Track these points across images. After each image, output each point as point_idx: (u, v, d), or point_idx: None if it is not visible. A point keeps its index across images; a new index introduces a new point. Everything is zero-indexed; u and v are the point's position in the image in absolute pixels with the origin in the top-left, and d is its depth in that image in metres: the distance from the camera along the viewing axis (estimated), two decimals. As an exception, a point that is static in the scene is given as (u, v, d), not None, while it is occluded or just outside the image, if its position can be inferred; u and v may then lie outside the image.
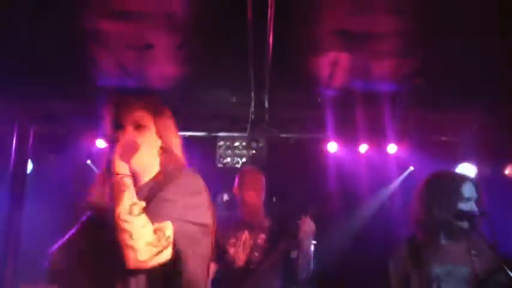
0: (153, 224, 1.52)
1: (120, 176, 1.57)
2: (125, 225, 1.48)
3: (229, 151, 5.94)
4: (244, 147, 5.83)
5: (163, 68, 4.22)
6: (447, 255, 2.19)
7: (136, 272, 1.53)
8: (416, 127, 5.11)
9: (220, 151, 5.92)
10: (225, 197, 4.81)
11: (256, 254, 2.62)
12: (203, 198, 1.69)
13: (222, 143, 5.90)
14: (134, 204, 1.53)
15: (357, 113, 4.85)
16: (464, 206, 2.16)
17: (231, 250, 2.65)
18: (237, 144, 5.92)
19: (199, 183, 1.71)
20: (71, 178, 4.75)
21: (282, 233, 2.49)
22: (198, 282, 1.61)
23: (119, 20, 3.31)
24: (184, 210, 1.59)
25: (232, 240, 2.68)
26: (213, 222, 1.73)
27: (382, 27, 3.27)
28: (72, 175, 4.77)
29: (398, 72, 4.06)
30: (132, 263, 1.49)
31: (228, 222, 2.75)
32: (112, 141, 1.62)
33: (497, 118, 4.73)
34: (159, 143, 1.71)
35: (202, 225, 1.64)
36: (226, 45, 3.65)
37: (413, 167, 5.41)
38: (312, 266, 2.62)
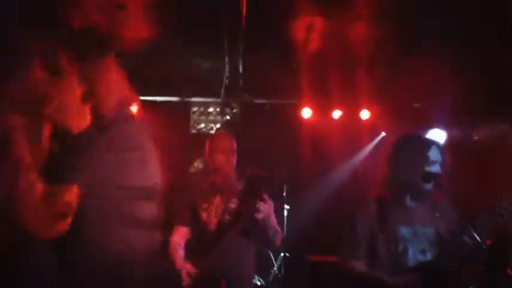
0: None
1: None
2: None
3: (203, 117, 5.91)
4: (218, 113, 5.81)
5: (134, 30, 4.11)
6: (413, 216, 2.25)
7: None
8: (389, 93, 5.16)
9: (194, 117, 5.89)
10: (200, 163, 4.80)
11: (227, 217, 2.63)
12: (147, 154, 1.50)
13: (195, 108, 5.86)
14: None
15: (331, 79, 4.86)
16: (430, 169, 2.20)
17: (204, 214, 2.66)
18: (211, 110, 5.88)
19: (141, 135, 1.53)
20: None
21: (253, 197, 2.50)
22: None
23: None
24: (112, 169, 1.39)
25: (205, 205, 2.68)
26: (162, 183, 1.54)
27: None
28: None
29: (371, 37, 4.06)
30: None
31: (200, 187, 2.75)
32: None
33: (468, 84, 4.81)
34: (85, 89, 1.42)
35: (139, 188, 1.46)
36: (200, 9, 3.57)
37: (385, 132, 5.49)
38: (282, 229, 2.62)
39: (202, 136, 5.56)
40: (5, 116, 1.24)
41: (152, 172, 1.51)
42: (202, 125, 5.85)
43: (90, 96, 1.39)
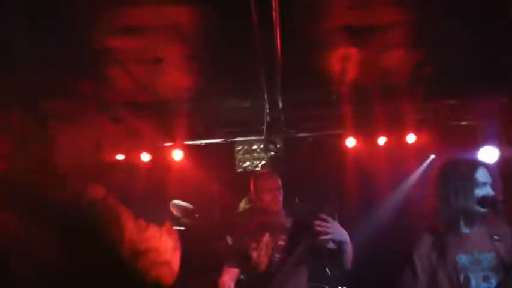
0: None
1: None
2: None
3: (248, 155, 5.98)
4: (262, 150, 5.86)
5: (174, 80, 4.28)
6: (470, 243, 2.17)
7: None
8: (434, 114, 5.06)
9: (238, 156, 5.97)
10: (246, 203, 4.82)
11: (277, 256, 2.61)
12: None
13: (239, 147, 5.95)
14: None
15: (372, 106, 4.83)
16: (480, 191, 2.14)
17: (254, 254, 2.66)
18: (254, 147, 5.94)
19: None
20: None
21: (304, 232, 2.46)
22: None
23: (128, 36, 3.37)
24: None
25: (254, 245, 2.68)
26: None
27: (384, 19, 3.28)
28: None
29: (408, 62, 4.04)
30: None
31: (248, 227, 2.77)
32: None
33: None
34: None
35: None
36: (235, 52, 3.69)
37: (434, 155, 5.33)
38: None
39: (248, 175, 5.61)
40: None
41: None
42: (248, 163, 5.92)
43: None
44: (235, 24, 3.19)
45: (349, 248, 2.40)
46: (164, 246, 1.54)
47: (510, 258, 2.07)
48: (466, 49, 3.77)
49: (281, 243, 2.64)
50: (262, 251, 2.64)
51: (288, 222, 2.71)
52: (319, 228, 2.25)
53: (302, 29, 3.36)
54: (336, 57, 3.89)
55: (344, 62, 3.98)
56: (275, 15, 2.96)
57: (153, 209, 1.75)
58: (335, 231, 2.31)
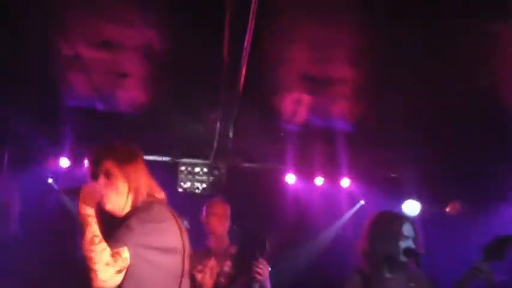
0: (113, 248, 1.86)
1: (83, 215, 1.95)
2: (88, 253, 1.85)
3: (190, 176, 6.11)
4: (205, 174, 6.02)
5: (134, 94, 4.39)
6: (393, 286, 2.49)
7: None
8: (368, 164, 5.49)
9: (181, 176, 6.09)
10: (185, 223, 4.93)
11: (222, 280, 2.80)
12: (165, 225, 2.01)
13: (183, 168, 6.08)
14: (94, 236, 1.89)
15: (314, 149, 5.19)
16: (404, 243, 2.49)
17: (199, 276, 2.83)
18: (197, 170, 6.10)
19: (161, 212, 2.04)
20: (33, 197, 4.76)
21: (245, 263, 2.71)
22: None
23: (97, 48, 3.48)
24: (141, 236, 1.91)
25: (200, 267, 2.85)
26: (183, 244, 2.05)
27: (339, 74, 3.65)
28: (34, 194, 4.79)
29: (352, 114, 4.44)
30: (95, 283, 1.83)
31: (195, 249, 2.93)
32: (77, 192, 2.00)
33: (439, 157, 5.18)
34: (127, 186, 2.06)
35: (163, 249, 1.95)
36: (198, 77, 3.87)
37: (364, 200, 5.77)
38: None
39: (188, 195, 5.75)
40: (83, 208, 1.96)
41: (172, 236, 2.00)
42: (189, 184, 6.04)
43: (131, 189, 2.03)
44: (205, 51, 3.39)
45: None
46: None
47: None
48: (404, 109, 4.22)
49: (226, 268, 2.83)
50: (206, 274, 2.82)
51: (233, 249, 2.91)
52: (257, 271, 2.57)
53: (266, 68, 3.64)
54: (290, 100, 4.21)
55: (297, 105, 4.31)
56: (245, 53, 3.21)
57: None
58: (265, 276, 2.64)
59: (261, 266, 2.61)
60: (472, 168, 4.97)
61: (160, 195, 2.13)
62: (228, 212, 3.00)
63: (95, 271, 1.81)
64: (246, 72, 3.45)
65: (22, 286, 4.37)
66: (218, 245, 2.88)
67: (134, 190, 2.04)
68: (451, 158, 5.04)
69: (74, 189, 2.02)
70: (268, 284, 2.74)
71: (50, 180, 5.23)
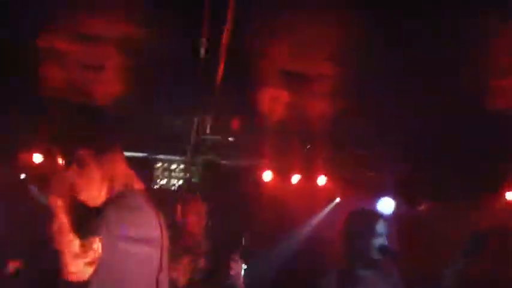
0: (84, 239, 1.80)
1: (52, 206, 1.89)
2: (57, 245, 1.80)
3: (166, 173, 6.05)
4: (181, 171, 5.98)
5: (111, 88, 4.32)
6: (365, 283, 2.53)
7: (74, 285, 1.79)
8: (344, 162, 5.54)
9: (157, 173, 6.03)
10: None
11: (197, 277, 2.79)
12: (142, 214, 1.96)
13: (159, 164, 6.02)
14: (63, 226, 1.84)
15: (291, 146, 5.20)
16: (378, 241, 2.53)
17: (173, 274, 2.80)
18: (174, 167, 6.05)
19: (138, 202, 1.99)
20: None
21: (219, 260, 2.71)
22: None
23: (75, 40, 3.41)
24: (114, 226, 1.84)
25: (172, 265, 2.82)
26: (161, 237, 1.99)
27: (318, 71, 3.66)
28: (6, 188, 4.66)
29: (330, 111, 4.47)
30: (65, 275, 1.78)
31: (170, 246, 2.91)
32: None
33: (414, 156, 5.26)
34: (100, 175, 2.01)
35: (138, 239, 1.89)
36: (178, 72, 3.84)
37: (340, 198, 5.83)
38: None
39: (164, 192, 5.70)
40: (52, 198, 1.90)
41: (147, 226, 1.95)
42: (165, 181, 6.00)
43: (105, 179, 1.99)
44: (184, 45, 3.36)
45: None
46: None
47: None
48: (385, 107, 4.26)
49: (201, 265, 2.82)
50: (180, 272, 2.80)
51: (206, 246, 2.90)
52: (232, 267, 2.57)
53: (245, 63, 3.62)
54: (268, 96, 4.21)
55: (274, 101, 4.31)
56: (222, 49, 3.20)
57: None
58: (239, 274, 2.66)
59: (234, 263, 2.61)
60: (449, 167, 5.07)
61: (140, 186, 2.08)
62: (204, 209, 2.99)
63: (64, 263, 1.77)
64: (224, 67, 3.44)
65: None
66: (193, 243, 2.86)
67: (109, 180, 2.00)
68: (426, 157, 5.13)
69: (42, 178, 1.98)
70: (241, 281, 2.75)
71: (23, 176, 5.10)
